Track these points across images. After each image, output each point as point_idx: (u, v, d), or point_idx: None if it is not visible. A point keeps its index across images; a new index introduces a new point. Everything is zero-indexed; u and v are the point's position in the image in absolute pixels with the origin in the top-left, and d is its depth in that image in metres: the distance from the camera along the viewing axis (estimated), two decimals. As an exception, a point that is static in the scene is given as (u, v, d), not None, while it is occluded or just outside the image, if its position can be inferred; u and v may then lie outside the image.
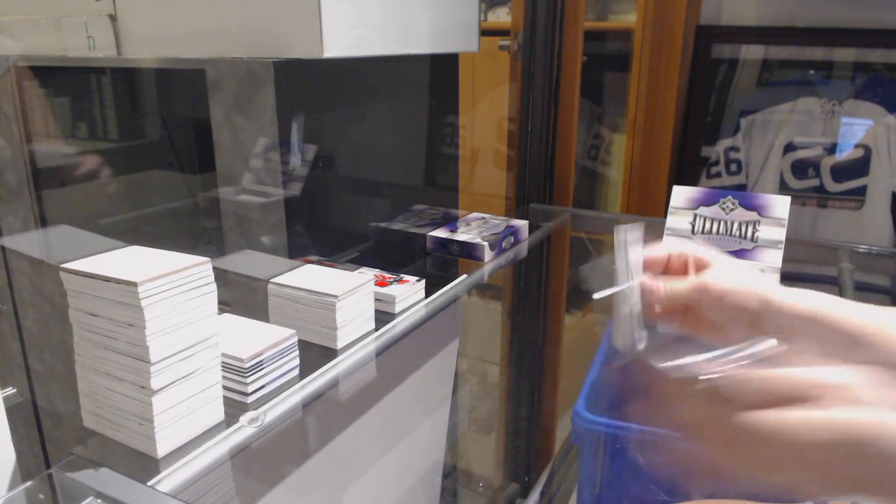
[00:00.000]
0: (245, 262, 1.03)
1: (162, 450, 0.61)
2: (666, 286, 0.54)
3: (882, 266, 1.25)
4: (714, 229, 1.00)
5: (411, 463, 1.10)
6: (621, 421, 0.91)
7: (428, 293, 0.96)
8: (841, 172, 1.64)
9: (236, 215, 1.05)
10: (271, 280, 0.83)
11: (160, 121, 1.36)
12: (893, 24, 1.57)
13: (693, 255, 0.56)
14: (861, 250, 1.21)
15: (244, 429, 0.66)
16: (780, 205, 0.98)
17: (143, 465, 0.60)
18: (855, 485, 0.38)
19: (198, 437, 0.64)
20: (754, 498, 0.43)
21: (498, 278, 1.25)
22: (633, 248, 0.55)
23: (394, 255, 1.16)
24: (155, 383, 0.59)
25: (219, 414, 0.66)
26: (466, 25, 1.05)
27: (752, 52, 1.73)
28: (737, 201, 1.00)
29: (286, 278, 0.83)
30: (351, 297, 0.81)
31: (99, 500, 0.57)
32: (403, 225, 1.19)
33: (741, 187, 1.72)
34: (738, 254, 0.98)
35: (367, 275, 0.86)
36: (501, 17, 1.99)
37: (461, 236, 1.12)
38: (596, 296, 0.55)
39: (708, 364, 0.44)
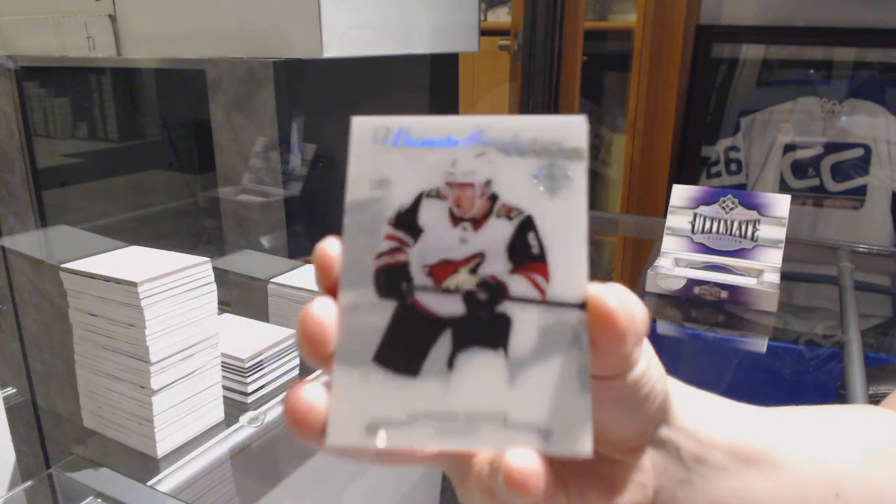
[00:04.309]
0: (245, 262, 1.03)
1: (162, 450, 0.61)
2: None
3: (882, 266, 1.25)
4: (714, 228, 1.00)
5: (411, 463, 1.10)
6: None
7: (428, 293, 0.96)
8: (841, 172, 1.64)
9: (236, 215, 1.05)
10: (271, 280, 0.83)
11: (160, 121, 1.36)
12: (893, 24, 1.57)
13: None
14: (861, 250, 1.21)
15: (244, 429, 0.66)
16: (781, 204, 0.98)
17: (143, 465, 0.60)
18: None
19: (197, 437, 0.64)
20: None
21: (498, 278, 1.25)
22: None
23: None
24: (155, 383, 0.59)
25: (219, 414, 0.66)
26: (466, 25, 1.05)
27: (752, 52, 1.73)
28: (737, 200, 1.00)
29: (286, 278, 0.83)
30: (351, 296, 0.80)
31: (99, 500, 0.57)
32: (403, 225, 1.19)
33: (741, 187, 1.72)
34: (739, 253, 0.98)
35: (367, 275, 0.86)
36: (501, 17, 1.99)
37: (461, 236, 1.12)
38: None
39: None
